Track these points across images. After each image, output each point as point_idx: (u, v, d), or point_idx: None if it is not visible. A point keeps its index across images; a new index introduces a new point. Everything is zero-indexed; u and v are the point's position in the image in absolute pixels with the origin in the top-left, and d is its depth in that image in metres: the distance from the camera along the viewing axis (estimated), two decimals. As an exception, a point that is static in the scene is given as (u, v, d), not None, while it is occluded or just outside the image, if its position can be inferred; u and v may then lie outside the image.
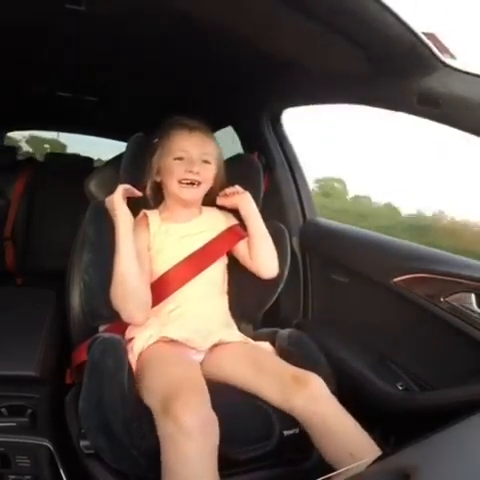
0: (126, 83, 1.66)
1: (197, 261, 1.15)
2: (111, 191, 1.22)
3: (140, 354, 1.03)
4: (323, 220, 1.58)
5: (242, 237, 1.21)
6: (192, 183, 1.13)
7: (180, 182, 1.12)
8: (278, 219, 1.35)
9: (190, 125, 1.15)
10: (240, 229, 1.23)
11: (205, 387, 0.90)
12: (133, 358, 1.02)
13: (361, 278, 1.30)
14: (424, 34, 0.84)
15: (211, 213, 1.24)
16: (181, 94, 1.67)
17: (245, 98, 1.53)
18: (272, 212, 1.38)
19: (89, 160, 2.61)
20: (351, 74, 1.06)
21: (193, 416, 0.80)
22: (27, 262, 2.16)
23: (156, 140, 1.19)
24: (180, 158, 1.12)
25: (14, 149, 2.56)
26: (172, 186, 1.14)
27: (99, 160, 2.82)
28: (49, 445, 0.95)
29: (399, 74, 0.96)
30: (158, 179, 1.18)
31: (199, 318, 1.11)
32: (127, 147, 1.23)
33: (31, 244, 2.16)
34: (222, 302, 1.20)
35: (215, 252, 1.18)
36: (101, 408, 0.89)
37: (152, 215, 1.18)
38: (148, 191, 1.19)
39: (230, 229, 1.22)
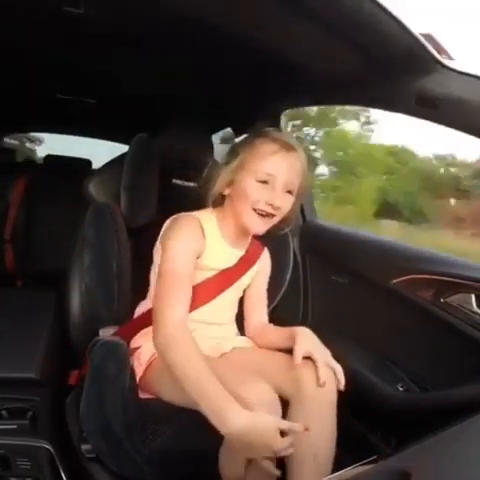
0: (125, 85, 1.66)
1: (224, 279, 1.07)
2: (111, 192, 1.22)
3: (150, 363, 0.99)
4: (323, 221, 1.58)
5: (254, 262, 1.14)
6: (268, 214, 0.99)
7: (255, 210, 0.98)
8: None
9: (287, 144, 0.97)
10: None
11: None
12: (140, 366, 0.99)
13: (361, 279, 1.30)
14: (421, 35, 0.84)
15: (265, 256, 1.17)
16: (181, 95, 1.67)
17: (244, 99, 1.53)
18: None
19: (88, 162, 2.61)
20: (350, 75, 1.06)
21: (263, 396, 0.82)
22: (27, 264, 2.15)
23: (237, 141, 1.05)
24: (264, 182, 0.96)
25: (14, 151, 2.56)
26: (243, 211, 0.99)
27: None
28: (50, 447, 0.95)
29: (397, 75, 0.96)
30: (227, 192, 1.03)
31: (208, 337, 1.06)
32: (129, 148, 1.23)
33: (31, 246, 2.16)
34: (233, 317, 1.16)
35: (243, 269, 1.11)
36: (102, 412, 0.89)
37: (209, 226, 1.03)
38: (209, 201, 1.06)
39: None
